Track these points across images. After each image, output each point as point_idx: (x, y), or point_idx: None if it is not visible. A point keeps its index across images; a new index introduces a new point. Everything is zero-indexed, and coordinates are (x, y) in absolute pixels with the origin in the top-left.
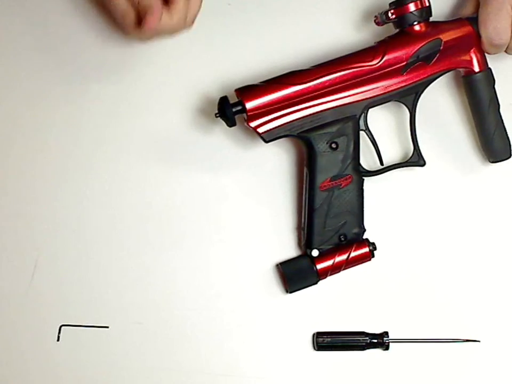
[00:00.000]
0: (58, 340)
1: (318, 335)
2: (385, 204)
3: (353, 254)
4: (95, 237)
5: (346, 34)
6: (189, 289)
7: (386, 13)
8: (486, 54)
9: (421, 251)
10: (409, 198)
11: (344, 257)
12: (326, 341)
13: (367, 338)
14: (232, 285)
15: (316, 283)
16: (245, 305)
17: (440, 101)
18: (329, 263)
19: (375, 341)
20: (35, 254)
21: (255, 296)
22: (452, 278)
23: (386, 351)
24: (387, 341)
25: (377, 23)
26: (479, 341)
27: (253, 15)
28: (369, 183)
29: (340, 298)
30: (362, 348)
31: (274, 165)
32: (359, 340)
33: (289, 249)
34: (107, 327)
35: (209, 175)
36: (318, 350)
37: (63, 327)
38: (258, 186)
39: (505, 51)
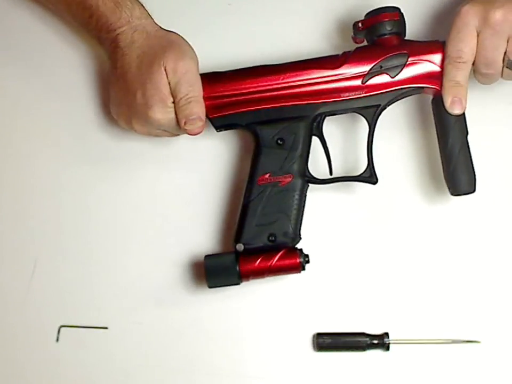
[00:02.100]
0: (57, 341)
1: (318, 336)
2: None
3: (279, 261)
4: (95, 237)
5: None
6: (189, 289)
7: (356, 23)
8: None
9: (420, 251)
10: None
11: (268, 262)
12: (327, 342)
13: (368, 339)
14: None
15: (237, 283)
16: (245, 305)
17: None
18: (252, 265)
19: (376, 342)
20: (35, 254)
21: (256, 296)
22: (452, 279)
23: (387, 352)
24: (387, 342)
25: (354, 40)
26: (479, 342)
27: (253, 15)
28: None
29: (340, 299)
30: (363, 348)
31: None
32: (359, 340)
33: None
34: (106, 328)
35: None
36: (319, 350)
37: (62, 328)
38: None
39: (475, 77)
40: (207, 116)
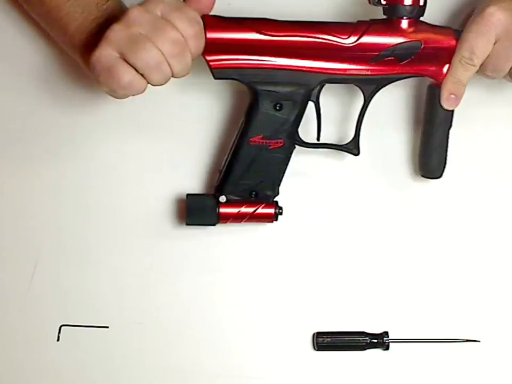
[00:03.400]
0: (58, 340)
1: (318, 335)
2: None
3: (259, 210)
4: (95, 237)
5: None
6: (189, 289)
7: None
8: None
9: (420, 251)
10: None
11: (249, 210)
12: (326, 341)
13: (367, 338)
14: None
15: (214, 224)
16: (245, 305)
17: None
18: (233, 210)
19: (375, 341)
20: (35, 254)
21: (255, 294)
22: (451, 278)
23: (386, 351)
24: (387, 341)
25: (369, 0)
26: (479, 341)
27: (253, 15)
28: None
29: (340, 298)
30: (363, 348)
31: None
32: (359, 340)
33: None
34: (107, 327)
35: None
36: (318, 350)
37: (63, 327)
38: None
39: (478, 73)
40: (208, 65)
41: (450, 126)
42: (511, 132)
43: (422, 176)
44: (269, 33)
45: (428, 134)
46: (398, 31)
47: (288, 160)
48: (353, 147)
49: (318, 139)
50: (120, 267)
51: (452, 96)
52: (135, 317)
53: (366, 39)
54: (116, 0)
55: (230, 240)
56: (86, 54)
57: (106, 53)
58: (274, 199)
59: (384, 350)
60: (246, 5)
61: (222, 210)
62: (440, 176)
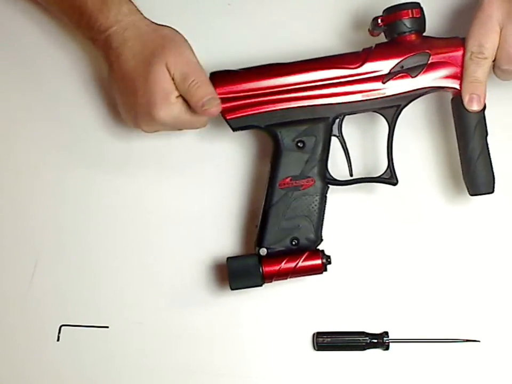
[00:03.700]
0: (58, 340)
1: (318, 335)
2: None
3: (302, 263)
4: (95, 237)
5: (346, 40)
6: (189, 290)
7: (376, 19)
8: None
9: (420, 251)
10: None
11: (292, 264)
12: (326, 341)
13: (367, 338)
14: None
15: (260, 285)
16: (245, 305)
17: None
18: (276, 267)
19: (375, 341)
20: (35, 254)
21: (255, 296)
22: (451, 278)
23: (386, 351)
24: (387, 341)
25: (371, 33)
26: (479, 341)
27: (253, 15)
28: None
29: (340, 298)
30: (363, 348)
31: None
32: (359, 339)
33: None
34: (107, 327)
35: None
36: (318, 350)
37: (63, 327)
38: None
39: (494, 71)
40: (223, 117)
41: (487, 133)
42: None
43: (472, 195)
44: (277, 75)
45: (465, 147)
46: (402, 46)
47: (324, 201)
48: (389, 176)
49: (351, 174)
50: (120, 267)
51: (474, 96)
52: (135, 317)
53: (372, 62)
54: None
55: None
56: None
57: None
58: (318, 247)
59: (384, 350)
60: (246, 5)
61: (266, 268)
62: (493, 191)
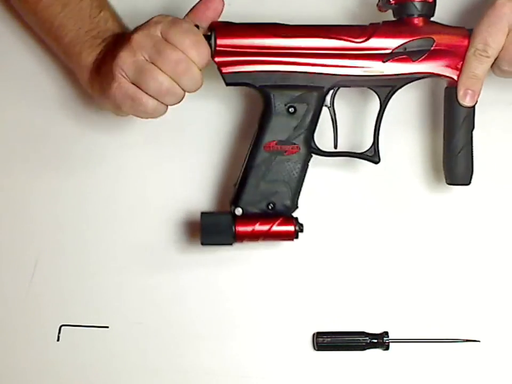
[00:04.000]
0: (58, 340)
1: (318, 335)
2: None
3: (276, 227)
4: (95, 237)
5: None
6: (190, 289)
7: None
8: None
9: (420, 251)
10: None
11: (265, 227)
12: (326, 341)
13: (367, 338)
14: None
15: (231, 244)
16: (245, 305)
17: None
18: (249, 228)
19: (375, 341)
20: (35, 254)
21: (256, 294)
22: (451, 279)
23: (386, 351)
24: (387, 341)
25: (379, 8)
26: (479, 341)
27: (253, 16)
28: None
29: (340, 298)
30: (363, 348)
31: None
32: (359, 339)
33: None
34: (107, 327)
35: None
36: (318, 350)
37: (63, 327)
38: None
39: (492, 69)
40: (219, 70)
41: (473, 127)
42: None
43: (449, 184)
44: (280, 36)
45: (450, 137)
46: (408, 28)
47: (305, 170)
48: (372, 154)
49: (336, 147)
50: (120, 267)
51: (469, 91)
52: (135, 317)
53: (377, 38)
54: (110, 11)
55: None
56: (80, 65)
57: (123, 82)
58: (293, 214)
59: (384, 350)
60: (246, 5)
61: (239, 228)
62: (469, 183)
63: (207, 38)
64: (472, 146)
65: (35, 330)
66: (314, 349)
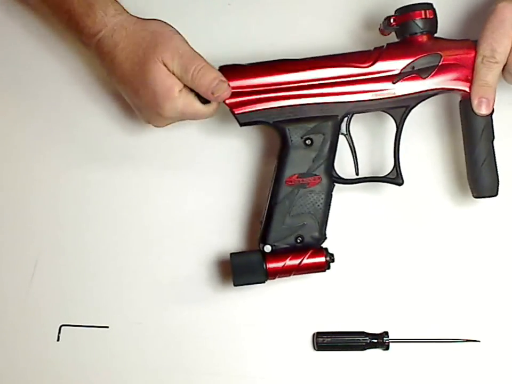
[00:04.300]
0: (58, 340)
1: (318, 335)
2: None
3: (306, 260)
4: (95, 237)
5: (350, 41)
6: (190, 290)
7: (388, 18)
8: None
9: (420, 251)
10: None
11: (296, 261)
12: (326, 341)
13: (367, 338)
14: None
15: (263, 281)
16: (245, 305)
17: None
18: (279, 264)
19: (375, 341)
20: (35, 254)
21: (255, 295)
22: (451, 279)
23: (386, 351)
24: (387, 341)
25: (382, 32)
26: (479, 341)
27: (253, 15)
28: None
29: (340, 298)
30: (363, 348)
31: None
32: (359, 339)
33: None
34: (107, 327)
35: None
36: (318, 350)
37: (63, 327)
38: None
39: (503, 75)
40: (231, 111)
41: (493, 137)
42: None
43: (476, 197)
44: (288, 71)
45: (471, 150)
46: (413, 47)
47: (330, 199)
48: (395, 176)
49: (357, 173)
50: (121, 267)
51: (483, 100)
52: (135, 317)
53: (384, 61)
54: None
55: None
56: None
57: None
58: (323, 245)
59: (384, 350)
60: (247, 5)
61: (270, 265)
62: (497, 194)
63: None
64: (494, 156)
65: (35, 330)
66: (314, 349)
